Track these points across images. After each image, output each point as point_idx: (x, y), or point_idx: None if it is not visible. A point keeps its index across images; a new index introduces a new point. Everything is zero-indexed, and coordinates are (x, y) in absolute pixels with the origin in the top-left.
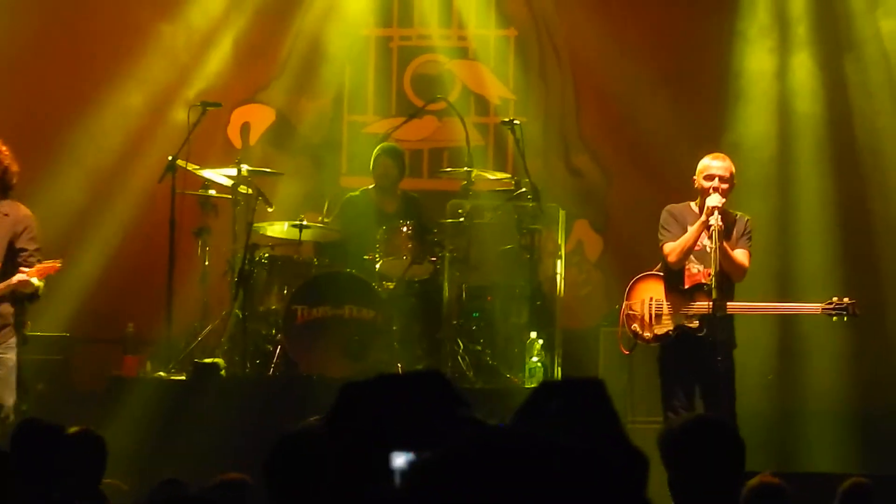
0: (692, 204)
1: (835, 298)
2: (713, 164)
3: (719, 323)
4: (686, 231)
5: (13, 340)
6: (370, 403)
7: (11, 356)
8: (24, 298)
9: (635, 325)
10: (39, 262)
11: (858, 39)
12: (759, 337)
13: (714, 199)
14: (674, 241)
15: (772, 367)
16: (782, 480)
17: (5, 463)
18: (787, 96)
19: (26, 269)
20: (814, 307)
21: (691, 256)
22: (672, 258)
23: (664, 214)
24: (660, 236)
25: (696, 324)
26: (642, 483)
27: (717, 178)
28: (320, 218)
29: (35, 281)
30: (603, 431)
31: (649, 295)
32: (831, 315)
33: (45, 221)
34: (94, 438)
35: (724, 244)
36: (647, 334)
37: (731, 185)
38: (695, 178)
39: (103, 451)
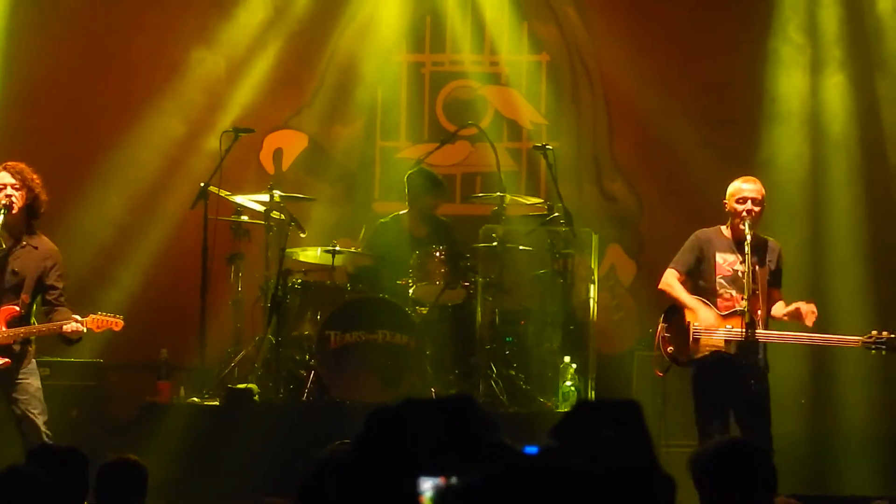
0: (723, 228)
1: (874, 332)
2: (745, 188)
3: (753, 347)
4: (704, 259)
5: (32, 365)
6: (398, 428)
7: (34, 381)
8: (67, 342)
9: (671, 347)
10: (66, 301)
11: (890, 56)
12: (792, 360)
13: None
14: (679, 269)
15: (804, 391)
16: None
17: (23, 480)
18: (819, 116)
19: (81, 318)
20: (853, 340)
21: (723, 282)
22: (660, 286)
23: (690, 239)
24: (675, 259)
25: (733, 349)
26: None
27: (749, 202)
28: (354, 246)
29: (95, 329)
30: (633, 454)
31: (686, 319)
32: (871, 349)
33: (79, 249)
34: (134, 466)
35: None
36: (683, 357)
37: (762, 208)
38: (725, 201)
39: (144, 478)
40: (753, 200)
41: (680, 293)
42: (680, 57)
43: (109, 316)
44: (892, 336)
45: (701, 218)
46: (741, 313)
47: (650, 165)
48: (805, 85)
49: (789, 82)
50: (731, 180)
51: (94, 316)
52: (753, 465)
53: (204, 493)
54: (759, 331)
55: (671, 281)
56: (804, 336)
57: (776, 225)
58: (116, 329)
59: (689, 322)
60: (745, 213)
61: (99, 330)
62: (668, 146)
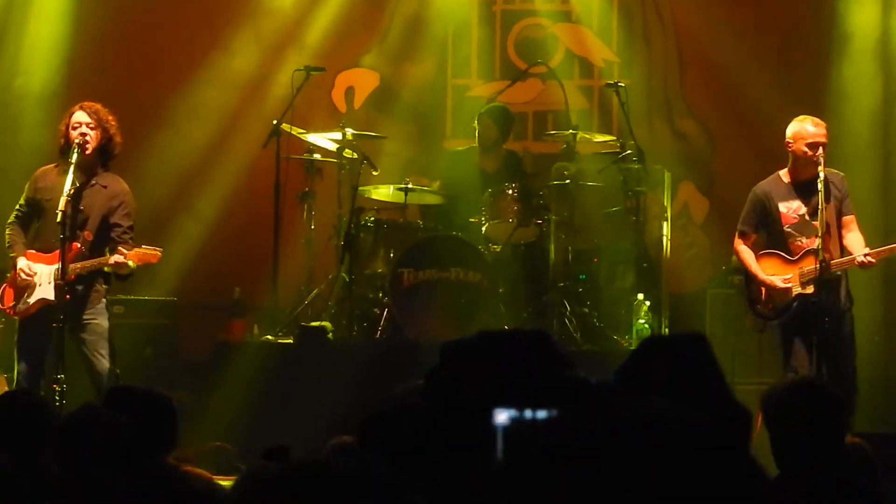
0: (782, 173)
1: None
2: (813, 131)
3: (831, 285)
4: (768, 212)
5: (101, 306)
6: (472, 363)
7: (102, 321)
8: (116, 277)
9: (758, 306)
10: (131, 240)
11: None
12: (866, 300)
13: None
14: (745, 230)
15: (878, 330)
16: (865, 441)
17: (108, 423)
18: (890, 50)
19: (125, 251)
20: None
21: (790, 230)
22: (734, 255)
23: (749, 197)
24: (740, 220)
25: (811, 289)
26: (746, 439)
27: (820, 147)
28: (427, 183)
29: (131, 264)
30: (706, 387)
31: (768, 273)
32: None
33: (152, 189)
34: (160, 399)
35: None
36: (771, 312)
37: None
38: (789, 141)
39: (172, 413)
40: (824, 145)
41: (746, 260)
42: None
43: (149, 249)
44: None
45: (772, 155)
46: (813, 252)
47: (721, 103)
48: (876, 18)
49: (861, 17)
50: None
51: (137, 249)
52: (822, 405)
53: (277, 431)
54: (834, 261)
55: (738, 247)
56: (873, 253)
57: (847, 161)
58: (154, 261)
59: (762, 281)
60: (816, 158)
61: (139, 263)
62: (738, 84)
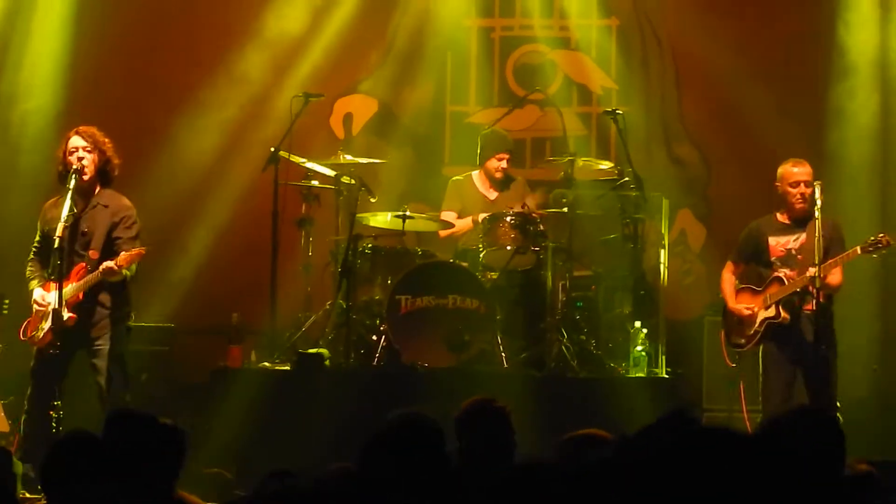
0: (777, 213)
1: (870, 238)
2: (796, 171)
3: (799, 311)
4: (759, 245)
5: (107, 327)
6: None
7: (108, 344)
8: (118, 287)
9: (732, 337)
10: (127, 248)
11: None
12: (864, 328)
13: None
14: (734, 260)
15: (876, 358)
16: (873, 468)
17: (98, 448)
18: (889, 69)
19: (113, 258)
20: (853, 251)
21: (777, 262)
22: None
23: (744, 231)
24: (734, 249)
25: (772, 311)
26: None
27: (802, 184)
28: (429, 211)
29: (124, 270)
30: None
31: (743, 306)
32: (870, 253)
33: (150, 214)
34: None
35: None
36: (742, 340)
37: (812, 188)
38: (777, 184)
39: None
40: (805, 182)
41: (724, 288)
42: (747, 18)
43: (133, 249)
44: (882, 236)
45: (769, 181)
46: (776, 279)
47: (718, 129)
48: (874, 38)
49: (859, 37)
50: (801, 143)
51: (122, 255)
52: (822, 433)
53: (274, 457)
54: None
55: (723, 275)
56: (825, 265)
57: (845, 179)
58: (141, 255)
59: (730, 309)
60: (799, 196)
61: (127, 265)
62: (736, 109)
